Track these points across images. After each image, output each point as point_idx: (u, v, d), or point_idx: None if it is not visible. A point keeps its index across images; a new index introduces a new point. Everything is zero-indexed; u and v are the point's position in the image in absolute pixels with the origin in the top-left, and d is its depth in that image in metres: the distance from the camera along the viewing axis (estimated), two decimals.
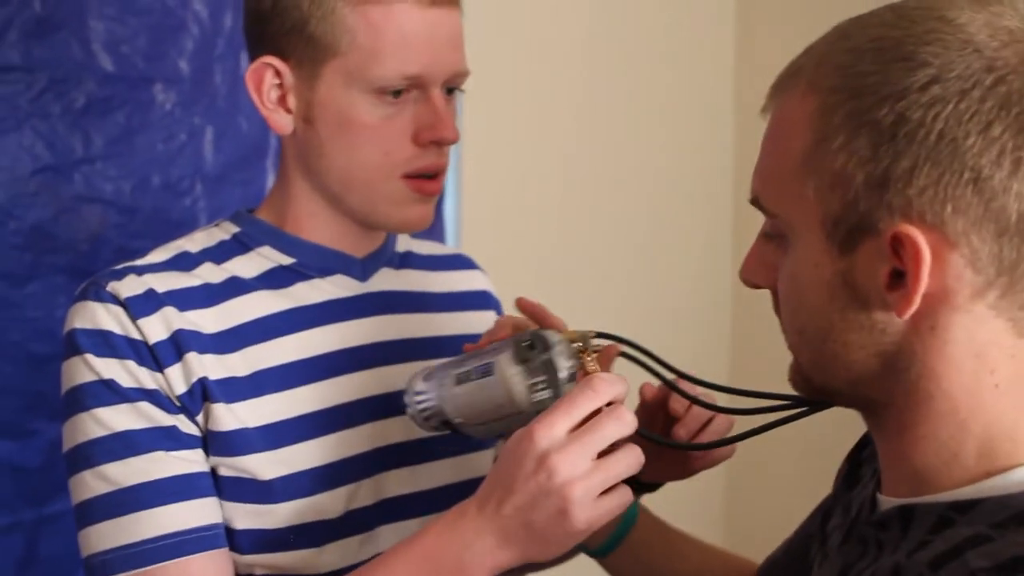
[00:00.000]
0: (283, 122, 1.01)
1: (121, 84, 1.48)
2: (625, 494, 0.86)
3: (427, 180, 1.02)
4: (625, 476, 0.84)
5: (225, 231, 1.07)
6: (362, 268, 1.08)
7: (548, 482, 0.83)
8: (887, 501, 0.75)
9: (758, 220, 0.79)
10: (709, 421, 1.00)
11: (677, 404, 0.99)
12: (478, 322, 1.18)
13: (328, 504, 1.00)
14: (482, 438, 1.01)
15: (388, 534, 1.05)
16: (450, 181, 1.97)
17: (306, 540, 1.00)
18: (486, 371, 0.92)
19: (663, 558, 1.07)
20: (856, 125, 0.68)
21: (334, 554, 1.01)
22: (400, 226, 1.05)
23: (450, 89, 1.02)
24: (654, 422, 1.02)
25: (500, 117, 2.05)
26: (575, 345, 0.92)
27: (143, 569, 0.92)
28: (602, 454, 0.84)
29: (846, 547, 0.77)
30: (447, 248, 1.25)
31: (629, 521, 1.08)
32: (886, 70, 0.68)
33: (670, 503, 1.26)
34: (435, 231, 1.93)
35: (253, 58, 1.02)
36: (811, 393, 0.79)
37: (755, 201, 0.77)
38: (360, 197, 1.02)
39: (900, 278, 0.68)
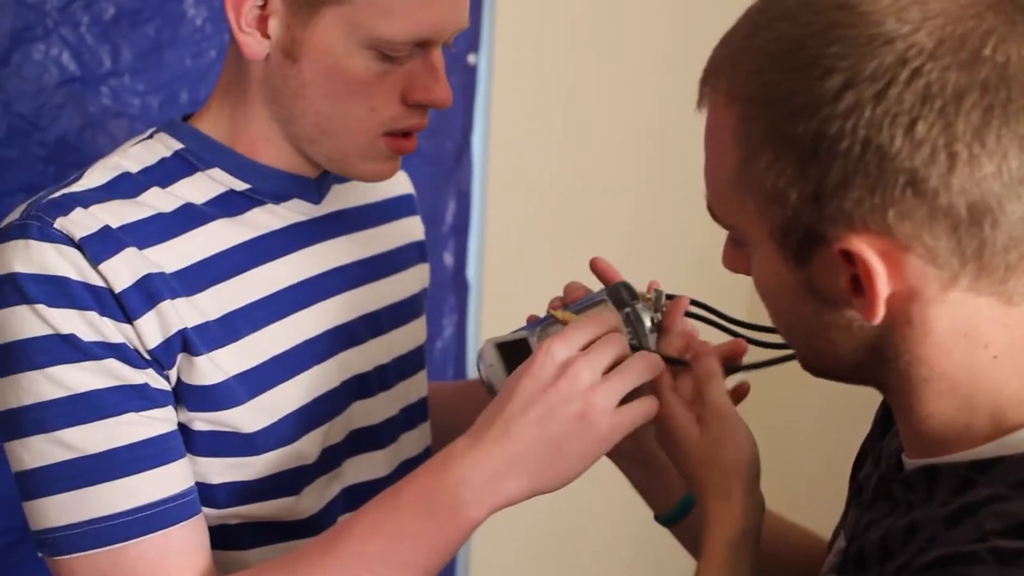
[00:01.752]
0: (258, 48, 0.92)
1: None
2: (650, 403, 0.86)
3: (404, 138, 0.96)
4: (640, 381, 0.86)
5: (165, 146, 0.97)
6: (317, 189, 1.02)
7: (571, 387, 0.82)
8: (910, 462, 0.73)
9: None
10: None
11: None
12: (409, 229, 1.16)
13: (307, 448, 0.97)
14: None
15: (353, 467, 1.02)
16: (476, 175, 1.95)
17: (286, 488, 0.96)
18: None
19: None
20: (777, 142, 0.66)
21: (311, 498, 0.98)
22: (367, 176, 0.98)
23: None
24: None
25: (529, 82, 2.02)
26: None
27: (117, 546, 0.84)
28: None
29: (878, 503, 0.76)
30: None
31: None
32: (795, 79, 0.64)
33: None
34: (462, 178, 1.91)
35: None
36: (817, 376, 0.77)
37: (709, 209, 0.75)
38: (332, 144, 0.95)
39: (859, 283, 0.66)
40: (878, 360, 0.70)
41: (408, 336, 1.11)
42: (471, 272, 1.96)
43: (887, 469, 0.78)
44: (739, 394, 0.97)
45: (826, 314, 0.70)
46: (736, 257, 0.77)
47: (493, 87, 1.94)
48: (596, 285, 1.01)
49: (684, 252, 2.22)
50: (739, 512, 0.86)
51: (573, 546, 2.27)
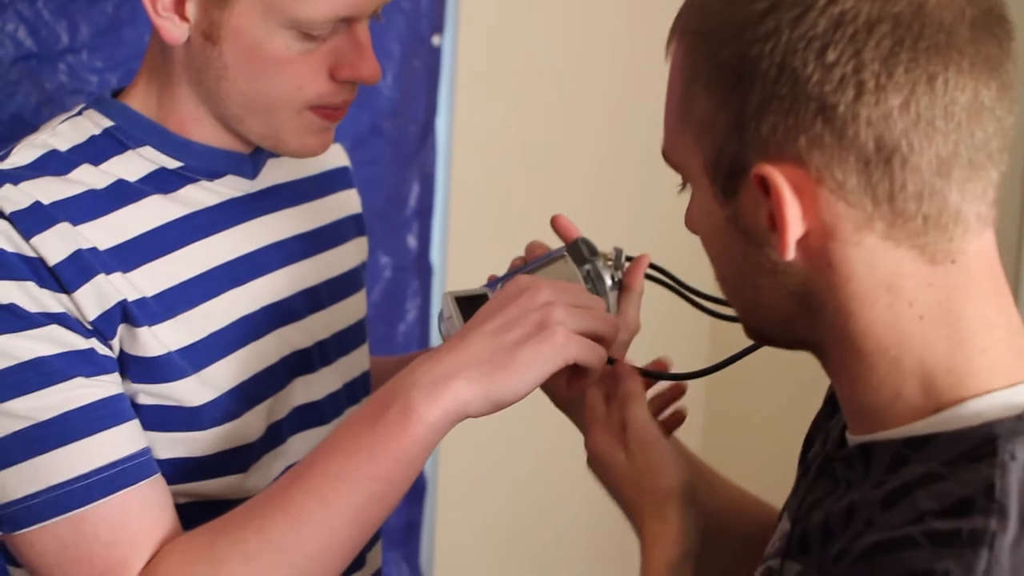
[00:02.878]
0: (177, 33, 0.91)
1: None
2: (599, 350, 0.86)
3: (333, 110, 0.95)
4: (599, 331, 0.86)
5: (94, 123, 0.96)
6: (252, 165, 1.01)
7: (531, 301, 0.84)
8: (851, 439, 0.73)
9: None
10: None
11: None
12: (346, 202, 1.15)
13: (251, 424, 0.96)
14: None
15: (298, 443, 1.02)
16: (440, 158, 1.94)
17: (233, 465, 0.95)
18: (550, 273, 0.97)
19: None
20: (709, 68, 0.67)
21: (257, 475, 0.97)
22: (298, 151, 0.98)
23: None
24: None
25: (494, 63, 2.01)
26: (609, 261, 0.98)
27: (78, 511, 0.82)
28: None
29: (819, 482, 0.76)
30: None
31: None
32: (728, 6, 0.66)
33: None
34: (426, 160, 1.90)
35: None
36: (756, 339, 0.78)
37: (663, 152, 0.76)
38: (260, 122, 0.94)
39: (774, 218, 0.66)
40: (806, 312, 0.69)
41: (348, 310, 1.10)
42: (435, 255, 1.95)
43: (830, 447, 0.78)
44: (675, 422, 0.97)
45: (752, 256, 0.69)
46: (688, 205, 0.77)
47: (457, 69, 1.93)
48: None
49: (648, 230, 2.22)
50: (676, 534, 0.85)
51: (533, 536, 2.27)
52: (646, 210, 2.08)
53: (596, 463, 0.92)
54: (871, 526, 0.65)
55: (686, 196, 0.76)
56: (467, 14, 1.92)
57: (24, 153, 0.91)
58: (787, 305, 0.70)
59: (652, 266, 1.01)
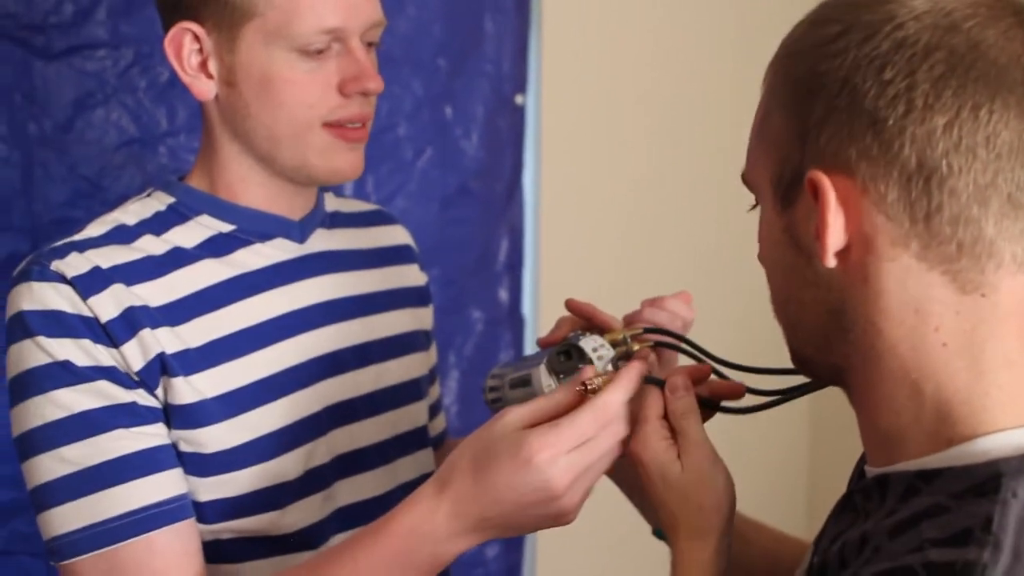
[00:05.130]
0: (205, 88, 1.02)
1: None
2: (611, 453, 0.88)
3: (351, 128, 1.03)
4: (608, 458, 0.88)
5: (160, 201, 1.06)
6: (300, 230, 1.09)
7: (547, 507, 0.86)
8: (870, 471, 0.75)
9: None
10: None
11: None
12: (405, 275, 1.22)
13: (288, 466, 1.03)
14: None
15: (344, 489, 1.09)
16: (528, 213, 2.00)
17: (269, 503, 1.02)
18: (525, 381, 0.99)
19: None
20: (785, 84, 0.73)
21: (296, 514, 1.04)
22: (330, 176, 1.05)
23: (368, 44, 1.03)
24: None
25: (577, 119, 2.07)
26: (618, 346, 0.97)
27: (109, 548, 0.92)
28: None
29: (842, 515, 0.78)
30: (368, 205, 1.26)
31: None
32: (809, 31, 0.72)
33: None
34: (514, 215, 1.95)
35: (168, 25, 1.02)
36: (798, 366, 0.80)
37: (743, 176, 0.79)
38: (289, 152, 1.02)
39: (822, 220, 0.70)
40: (838, 329, 0.72)
41: (401, 368, 1.16)
42: (526, 307, 2.00)
43: (852, 480, 0.80)
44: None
45: (800, 267, 0.73)
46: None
47: (542, 126, 1.99)
48: (635, 300, 1.04)
49: (743, 286, 2.23)
50: (713, 554, 0.86)
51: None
52: (743, 265, 2.09)
53: (645, 469, 0.89)
54: (878, 553, 0.67)
55: None
56: (549, 74, 1.98)
57: (95, 227, 1.02)
58: (825, 323, 0.73)
59: (679, 337, 1.01)
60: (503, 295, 1.98)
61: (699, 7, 2.24)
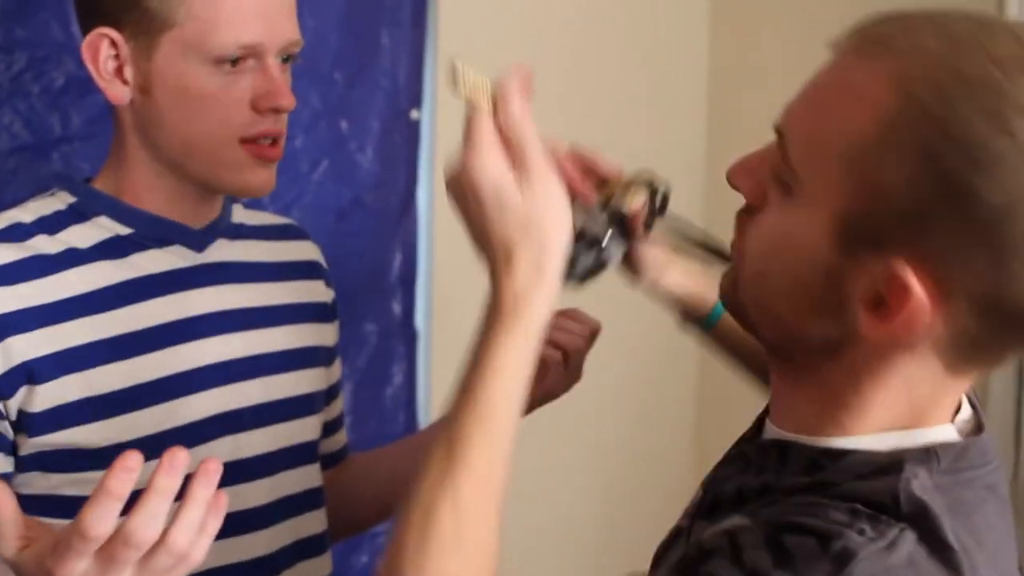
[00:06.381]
0: (120, 93, 1.03)
1: None
2: None
3: (267, 146, 1.05)
4: None
5: (61, 200, 1.07)
6: (199, 238, 1.10)
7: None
8: (770, 429, 0.78)
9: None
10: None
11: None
12: (309, 290, 1.22)
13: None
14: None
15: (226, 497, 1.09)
16: (422, 227, 2.00)
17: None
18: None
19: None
20: (917, 153, 0.65)
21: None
22: (242, 191, 1.07)
23: (285, 59, 1.05)
24: None
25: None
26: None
27: None
28: None
29: (734, 463, 0.81)
30: (280, 218, 1.27)
31: None
32: (974, 119, 0.64)
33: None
34: (408, 229, 1.96)
35: (86, 29, 1.03)
36: (735, 316, 0.80)
37: (778, 132, 0.72)
38: (201, 164, 1.04)
39: (880, 304, 0.68)
40: (824, 348, 0.73)
41: (294, 382, 1.16)
42: (419, 321, 2.01)
43: (748, 431, 0.83)
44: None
45: (823, 299, 0.70)
46: (759, 174, 0.75)
47: (437, 141, 2.00)
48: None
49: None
50: (551, 289, 0.79)
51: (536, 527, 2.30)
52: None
53: (480, 188, 0.79)
54: (783, 502, 0.70)
55: None
56: (444, 89, 1.99)
57: None
58: (811, 336, 0.73)
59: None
60: (396, 308, 1.97)
61: (588, 33, 2.28)
